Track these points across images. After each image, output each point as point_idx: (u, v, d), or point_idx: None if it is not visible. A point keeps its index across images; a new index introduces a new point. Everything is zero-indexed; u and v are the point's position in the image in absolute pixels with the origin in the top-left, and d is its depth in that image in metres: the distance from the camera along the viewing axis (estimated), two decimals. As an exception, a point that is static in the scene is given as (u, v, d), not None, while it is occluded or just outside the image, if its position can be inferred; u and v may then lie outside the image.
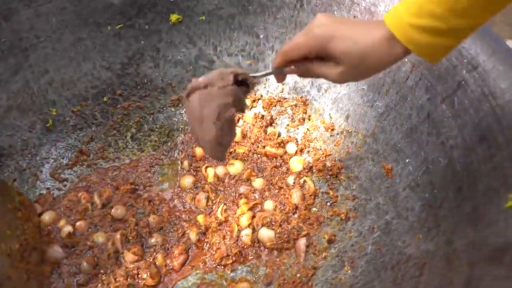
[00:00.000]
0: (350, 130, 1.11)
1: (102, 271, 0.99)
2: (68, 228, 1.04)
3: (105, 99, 1.23)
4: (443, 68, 0.92)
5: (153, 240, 1.04)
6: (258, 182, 1.13)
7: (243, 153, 1.19)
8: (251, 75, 0.77)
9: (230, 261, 1.02)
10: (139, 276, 0.98)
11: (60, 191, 1.13)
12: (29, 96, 1.14)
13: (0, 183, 0.96)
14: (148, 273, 0.98)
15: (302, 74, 0.75)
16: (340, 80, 0.69)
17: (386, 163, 1.00)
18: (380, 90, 1.05)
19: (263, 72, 0.79)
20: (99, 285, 0.97)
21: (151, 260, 1.01)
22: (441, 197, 0.84)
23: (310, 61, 0.70)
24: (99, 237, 1.04)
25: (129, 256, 1.00)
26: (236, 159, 1.18)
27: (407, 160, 0.96)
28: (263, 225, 1.04)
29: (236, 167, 1.16)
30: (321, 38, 0.66)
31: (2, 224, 0.88)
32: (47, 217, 1.05)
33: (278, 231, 1.03)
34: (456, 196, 0.81)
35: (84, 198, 1.10)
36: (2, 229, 0.87)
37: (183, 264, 1.02)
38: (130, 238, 1.03)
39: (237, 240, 1.03)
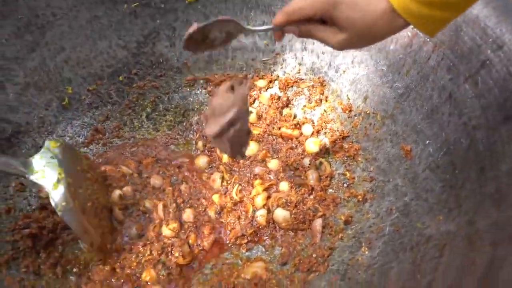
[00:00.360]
0: (368, 112, 1.09)
1: (142, 242, 1.00)
2: (118, 192, 1.05)
3: (120, 78, 1.23)
4: (466, 47, 0.90)
5: (185, 216, 1.04)
6: (273, 163, 1.12)
7: (258, 134, 1.18)
8: (249, 27, 0.79)
9: (245, 240, 1.01)
10: (172, 253, 0.98)
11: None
12: (45, 74, 1.13)
13: (68, 147, 0.97)
14: (181, 252, 0.98)
15: (302, 35, 0.74)
16: (340, 47, 0.69)
17: (405, 145, 0.98)
18: (400, 70, 1.03)
19: (263, 27, 0.79)
20: (134, 256, 0.98)
21: (185, 238, 1.01)
22: (463, 177, 0.83)
23: (313, 24, 0.70)
24: (147, 203, 1.05)
25: (167, 231, 1.01)
26: (251, 140, 1.17)
27: (427, 142, 0.94)
28: (278, 206, 1.03)
29: (251, 148, 1.15)
30: (327, 2, 0.65)
31: (74, 183, 0.91)
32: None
33: (293, 211, 1.02)
34: (478, 177, 0.80)
35: (110, 170, 1.11)
36: (75, 187, 0.91)
37: (213, 244, 1.01)
38: (171, 210, 1.04)
39: (252, 221, 1.03)
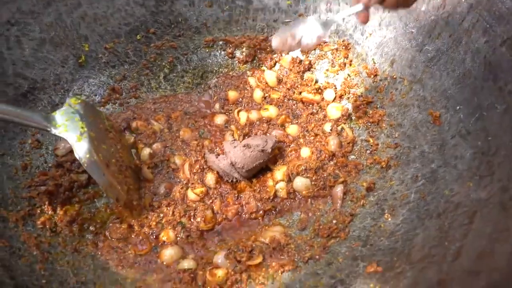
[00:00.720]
0: (395, 76, 1.05)
1: (167, 201, 0.99)
2: (147, 150, 1.05)
3: (138, 37, 1.19)
4: (504, 8, 0.85)
5: (207, 179, 1.02)
6: (292, 128, 1.09)
7: (278, 98, 1.15)
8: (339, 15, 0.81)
9: (262, 214, 0.99)
10: (195, 217, 0.97)
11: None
12: (61, 30, 1.10)
13: (89, 105, 0.98)
14: (203, 217, 0.96)
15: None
16: None
17: (434, 110, 0.94)
18: (431, 33, 0.99)
19: (349, 11, 0.77)
20: (155, 215, 0.97)
21: (209, 203, 0.99)
22: (497, 144, 0.79)
23: None
24: (176, 159, 1.05)
25: (192, 195, 0.99)
26: (271, 104, 1.14)
27: (458, 107, 0.90)
28: (298, 174, 1.01)
29: (270, 112, 1.12)
30: None
31: (97, 138, 0.92)
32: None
33: (313, 178, 1.00)
34: (513, 142, 0.76)
35: (141, 126, 1.10)
36: (98, 142, 0.92)
37: (236, 214, 0.99)
38: (195, 170, 1.03)
39: (271, 197, 1.00)
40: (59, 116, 0.89)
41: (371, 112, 1.07)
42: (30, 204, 0.95)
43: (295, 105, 1.15)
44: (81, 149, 0.87)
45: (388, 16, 1.07)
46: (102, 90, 1.16)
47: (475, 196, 0.77)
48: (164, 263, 0.91)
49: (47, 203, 0.96)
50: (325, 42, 1.17)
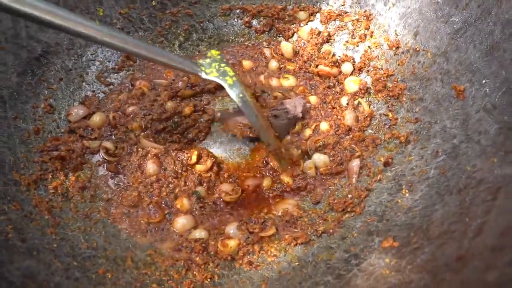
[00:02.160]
0: (418, 49, 1.01)
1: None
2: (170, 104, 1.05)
3: (153, 3, 1.16)
4: (539, -23, 0.81)
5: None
6: (312, 100, 1.07)
7: (294, 70, 1.12)
8: None
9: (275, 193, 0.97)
10: (214, 188, 0.96)
11: (105, 95, 1.10)
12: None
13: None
14: (226, 190, 0.95)
15: None
16: None
17: (458, 84, 0.90)
18: (458, 3, 0.94)
19: None
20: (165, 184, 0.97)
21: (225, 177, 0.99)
22: (524, 121, 0.76)
23: None
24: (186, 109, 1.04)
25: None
26: (289, 74, 1.11)
27: (484, 81, 0.86)
28: (316, 150, 0.98)
29: (290, 81, 1.09)
30: None
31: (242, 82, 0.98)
32: (97, 118, 1.02)
33: (331, 154, 0.97)
34: (543, 118, 0.73)
35: (144, 86, 1.09)
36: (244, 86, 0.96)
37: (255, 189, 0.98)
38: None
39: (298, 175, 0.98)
40: (205, 63, 0.94)
41: (391, 85, 1.03)
42: (42, 169, 0.94)
43: (312, 78, 1.11)
44: (234, 90, 0.92)
45: (413, -15, 1.02)
46: (116, 57, 1.14)
47: (499, 172, 0.74)
48: (177, 231, 0.90)
49: (59, 168, 0.95)
50: (346, 13, 1.13)
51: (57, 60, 1.05)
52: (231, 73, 0.93)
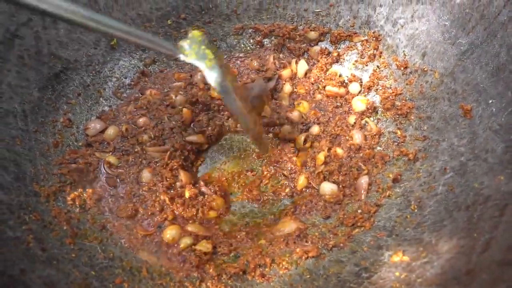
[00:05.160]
0: (425, 69, 1.04)
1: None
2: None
3: (169, 22, 1.20)
4: (543, 2, 0.84)
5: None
6: (315, 129, 1.09)
7: (304, 93, 1.15)
8: None
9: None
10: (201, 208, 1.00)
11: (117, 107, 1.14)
12: (95, 11, 1.11)
13: (208, 39, 0.98)
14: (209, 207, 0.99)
15: None
16: None
17: (465, 104, 0.93)
18: (465, 26, 0.98)
19: None
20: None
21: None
22: (530, 138, 0.79)
23: None
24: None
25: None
26: (303, 99, 1.14)
27: (491, 101, 0.89)
28: (324, 179, 1.00)
29: (304, 106, 1.12)
30: None
31: (223, 67, 0.92)
32: (111, 131, 1.06)
33: (339, 179, 0.99)
34: (548, 138, 0.76)
35: (155, 95, 1.13)
36: (224, 70, 0.91)
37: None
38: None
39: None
40: (186, 45, 0.89)
41: (399, 104, 1.06)
42: (60, 181, 0.97)
43: (321, 99, 1.14)
44: (212, 74, 0.87)
45: (421, 8, 1.06)
46: (132, 73, 1.17)
47: (506, 189, 0.77)
48: (167, 242, 0.93)
49: (77, 180, 0.98)
50: (356, 33, 1.17)
51: (76, 76, 1.09)
52: (211, 56, 0.88)
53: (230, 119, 1.11)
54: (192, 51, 0.88)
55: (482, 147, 0.87)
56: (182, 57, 0.87)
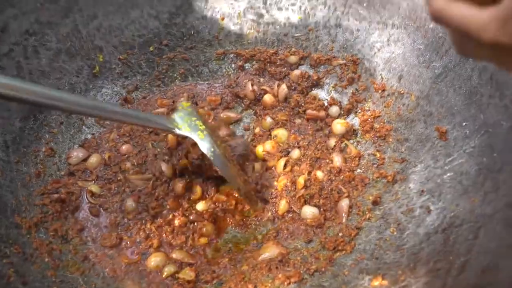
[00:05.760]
0: (402, 92, 1.06)
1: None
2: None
3: (151, 48, 1.22)
4: None
5: None
6: (295, 153, 1.09)
7: (285, 119, 1.16)
8: None
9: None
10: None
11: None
12: (77, 40, 1.13)
13: (195, 108, 1.05)
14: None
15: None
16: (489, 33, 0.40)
17: (441, 126, 0.95)
18: (438, 50, 1.00)
19: None
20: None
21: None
22: (502, 160, 0.81)
23: None
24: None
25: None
26: (280, 127, 1.15)
27: (464, 124, 0.91)
28: (305, 202, 1.01)
29: (282, 134, 1.13)
30: None
31: (212, 134, 0.99)
32: (93, 159, 1.06)
33: (320, 202, 1.00)
34: (518, 160, 0.78)
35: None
36: (214, 138, 0.98)
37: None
38: None
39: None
40: (177, 117, 0.96)
41: (378, 126, 1.08)
42: (42, 212, 0.97)
43: (301, 123, 1.16)
44: (205, 144, 0.94)
45: (396, 32, 1.09)
46: (115, 100, 1.18)
47: (480, 212, 0.78)
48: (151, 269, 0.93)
49: (59, 210, 0.98)
50: (334, 57, 1.19)
51: (58, 105, 1.10)
52: (202, 127, 0.96)
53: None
54: (185, 124, 0.95)
55: (457, 169, 0.89)
56: (177, 131, 0.95)
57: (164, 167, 1.03)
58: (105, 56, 1.17)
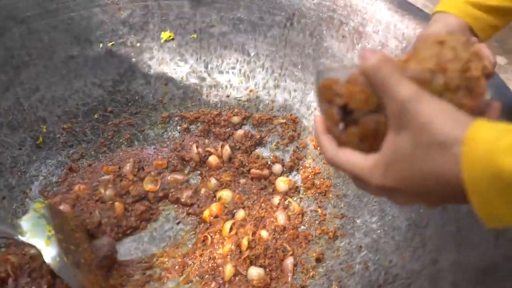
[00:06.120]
0: (338, 148, 1.11)
1: None
2: None
3: (96, 116, 1.24)
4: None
5: None
6: (240, 214, 1.11)
7: (229, 180, 1.18)
8: None
9: None
10: None
11: (49, 208, 1.13)
12: (19, 113, 1.14)
13: (53, 207, 0.98)
14: None
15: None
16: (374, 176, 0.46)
17: (374, 182, 1.00)
18: (368, 109, 1.06)
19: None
20: None
21: None
22: (427, 216, 0.85)
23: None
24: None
25: None
26: (224, 188, 1.17)
27: (394, 179, 0.96)
28: (250, 263, 1.01)
29: (227, 195, 1.14)
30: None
31: (65, 239, 0.92)
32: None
33: (266, 262, 1.01)
34: (441, 216, 0.82)
35: (83, 190, 1.12)
36: (67, 244, 0.91)
37: None
38: None
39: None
40: (24, 222, 0.89)
41: (318, 183, 1.12)
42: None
43: (245, 183, 1.18)
44: (50, 253, 0.86)
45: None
46: (60, 170, 1.18)
47: (410, 267, 0.82)
48: None
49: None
50: (275, 116, 1.24)
51: (0, 179, 1.09)
52: (51, 233, 0.89)
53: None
54: (31, 229, 0.88)
55: (390, 224, 0.93)
56: (20, 237, 0.87)
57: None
58: (49, 127, 1.18)
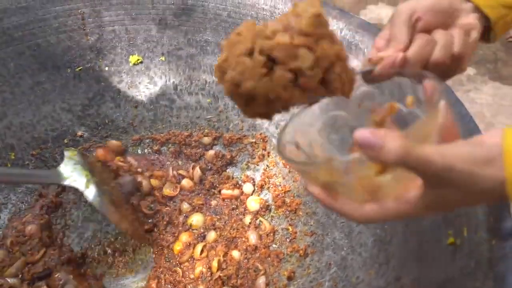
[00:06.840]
0: (307, 166, 1.13)
1: None
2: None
3: (65, 141, 1.24)
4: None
5: None
6: (211, 235, 1.12)
7: (201, 204, 1.19)
8: None
9: None
10: None
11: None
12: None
13: (82, 153, 1.12)
14: None
15: None
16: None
17: (341, 199, 1.02)
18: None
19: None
20: None
21: None
22: (391, 232, 0.87)
23: None
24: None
25: None
26: (196, 211, 1.17)
27: (360, 195, 0.98)
28: (222, 284, 1.01)
29: (198, 220, 1.14)
30: None
31: (99, 181, 1.03)
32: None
33: (238, 283, 1.02)
34: (404, 232, 0.84)
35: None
36: (101, 185, 1.03)
37: None
38: None
39: None
40: (64, 168, 1.01)
41: (289, 201, 1.13)
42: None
43: (217, 204, 1.19)
44: (91, 194, 0.98)
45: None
46: (30, 197, 1.17)
47: (375, 284, 0.84)
48: None
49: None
50: (245, 136, 1.26)
51: (-33, 209, 1.08)
52: (88, 176, 1.00)
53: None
54: (70, 174, 1.00)
55: (357, 241, 0.95)
56: (63, 182, 0.99)
57: None
58: (17, 153, 1.18)
